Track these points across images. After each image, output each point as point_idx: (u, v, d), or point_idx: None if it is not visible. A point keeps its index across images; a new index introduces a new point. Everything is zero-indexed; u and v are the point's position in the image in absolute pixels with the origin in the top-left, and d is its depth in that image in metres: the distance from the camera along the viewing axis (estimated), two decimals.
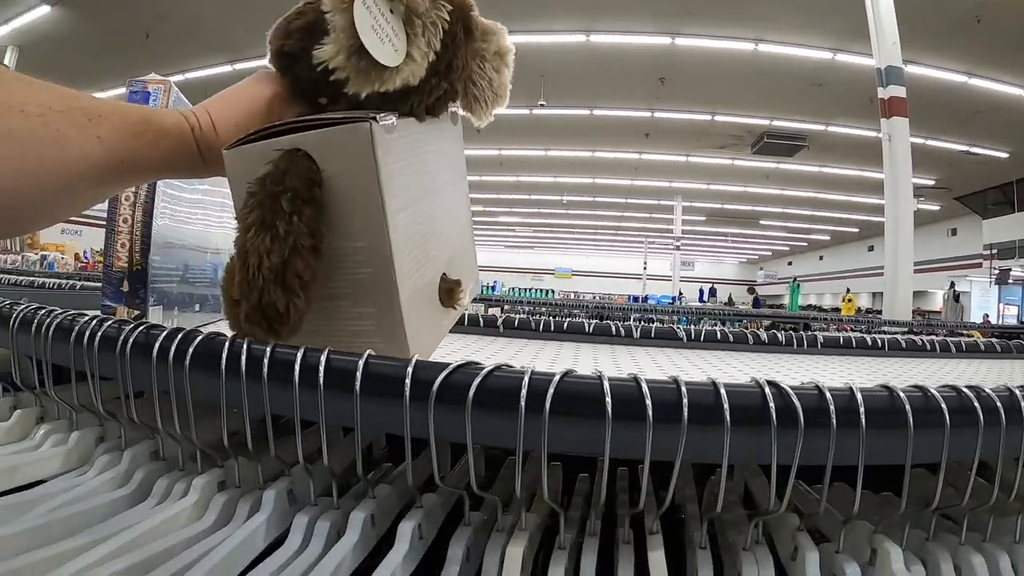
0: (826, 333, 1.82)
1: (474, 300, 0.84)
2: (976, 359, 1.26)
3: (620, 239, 26.05)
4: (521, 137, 12.45)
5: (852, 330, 4.59)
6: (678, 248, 18.91)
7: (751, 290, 19.43)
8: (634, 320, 3.82)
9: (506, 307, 4.22)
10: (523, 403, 0.37)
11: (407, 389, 0.38)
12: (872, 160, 9.72)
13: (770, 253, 27.63)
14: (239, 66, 9.21)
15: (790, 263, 26.77)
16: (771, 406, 0.39)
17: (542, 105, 10.15)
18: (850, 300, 13.70)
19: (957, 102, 9.07)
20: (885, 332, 4.32)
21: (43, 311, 0.58)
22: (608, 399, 0.38)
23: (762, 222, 20.31)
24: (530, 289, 20.35)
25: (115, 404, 0.56)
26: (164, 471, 0.51)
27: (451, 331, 0.72)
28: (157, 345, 0.47)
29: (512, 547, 0.41)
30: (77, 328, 0.52)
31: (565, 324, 1.21)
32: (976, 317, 13.15)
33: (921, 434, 0.41)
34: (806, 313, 6.51)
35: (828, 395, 0.40)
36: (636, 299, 16.37)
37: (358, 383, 0.39)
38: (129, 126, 0.44)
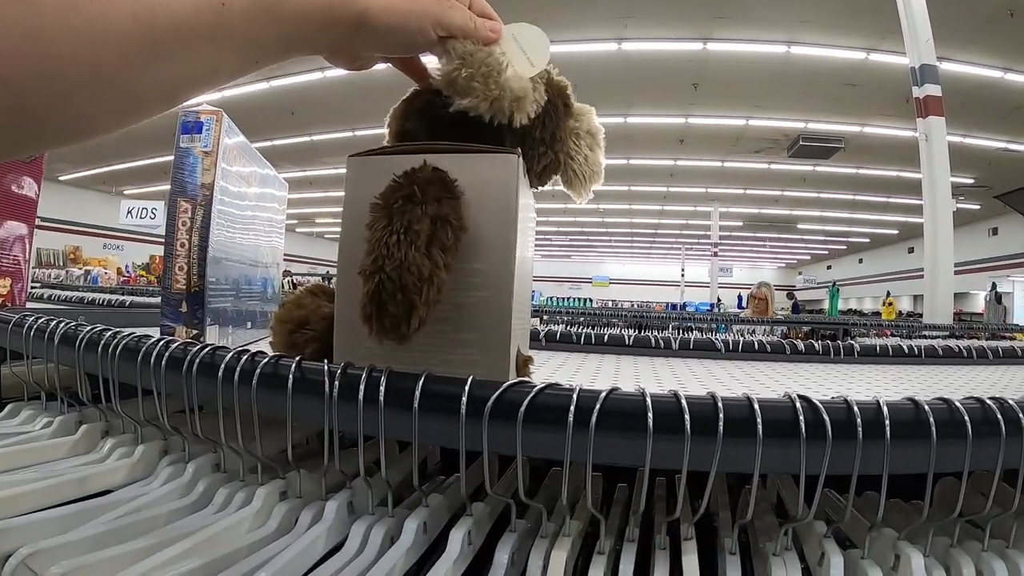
0: (863, 341, 1.80)
1: None
2: (1016, 365, 1.25)
3: (657, 246, 25.93)
4: None
5: (892, 335, 4.51)
6: (716, 254, 18.73)
7: (790, 295, 19.14)
8: (672, 329, 3.81)
9: (544, 317, 4.22)
10: (571, 418, 0.40)
11: (463, 406, 0.41)
12: (910, 160, 9.50)
13: (809, 257, 27.20)
14: (275, 82, 9.42)
15: (829, 267, 26.32)
16: (801, 419, 0.41)
17: None
18: (890, 304, 13.43)
19: (994, 98, 8.84)
20: (926, 336, 4.23)
21: (108, 332, 0.63)
22: (650, 414, 0.40)
23: (800, 226, 20.01)
24: (568, 299, 20.31)
25: (178, 418, 0.60)
26: (225, 482, 0.55)
27: None
28: (223, 365, 0.50)
29: (556, 551, 0.44)
30: (144, 349, 0.57)
31: (606, 337, 1.23)
32: (1020, 318, 12.77)
33: (944, 445, 0.42)
34: (845, 319, 6.39)
35: (855, 408, 0.42)
36: (674, 307, 16.26)
37: (416, 400, 0.42)
38: None
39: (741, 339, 1.23)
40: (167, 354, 0.55)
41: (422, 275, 0.42)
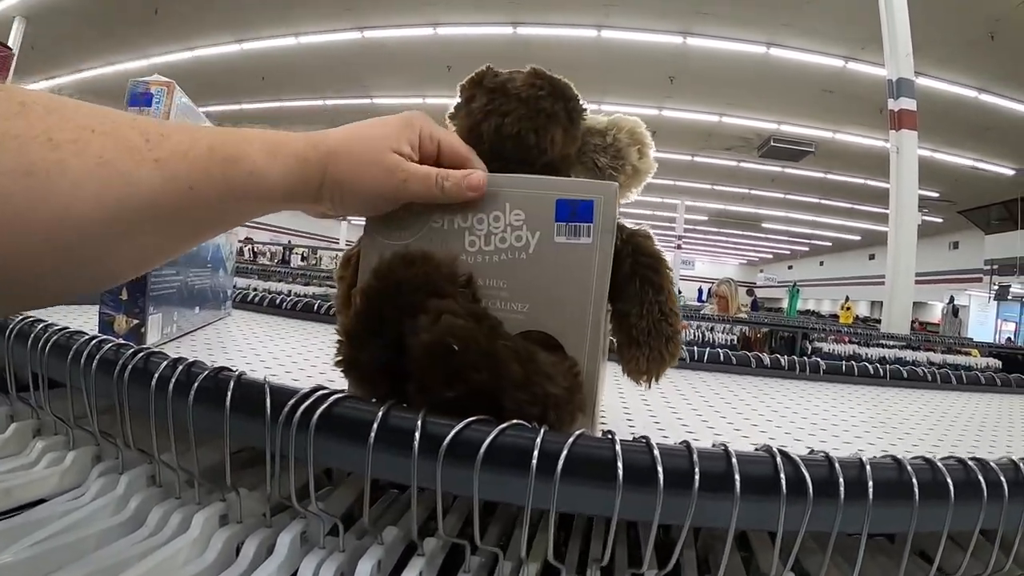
0: (828, 358, 1.81)
1: None
2: (979, 392, 1.26)
3: None
4: None
5: (850, 341, 4.60)
6: (679, 247, 18.89)
7: (750, 292, 19.41)
8: None
9: None
10: (534, 463, 0.37)
11: (416, 442, 0.38)
12: (878, 169, 9.68)
13: (771, 256, 27.64)
14: (247, 45, 9.17)
15: (790, 267, 26.77)
16: (782, 477, 0.39)
17: None
18: (848, 308, 13.69)
19: (966, 117, 9.04)
20: (883, 345, 4.32)
21: (40, 326, 0.57)
22: (620, 463, 0.37)
23: (764, 225, 20.28)
24: None
25: (112, 418, 0.56)
26: (160, 499, 0.50)
27: None
28: (157, 375, 0.46)
29: None
30: (75, 348, 0.52)
31: None
32: (973, 331, 13.19)
33: (926, 506, 0.41)
34: (804, 320, 6.52)
35: (837, 467, 0.40)
36: None
37: (373, 433, 0.38)
38: (201, 140, 0.36)
39: (707, 351, 1.22)
40: (98, 356, 0.50)
41: None
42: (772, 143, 11.02)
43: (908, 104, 4.94)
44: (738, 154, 12.89)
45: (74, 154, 0.31)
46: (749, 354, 1.23)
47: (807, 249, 24.16)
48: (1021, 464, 0.45)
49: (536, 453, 0.37)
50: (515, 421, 0.38)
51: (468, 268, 0.44)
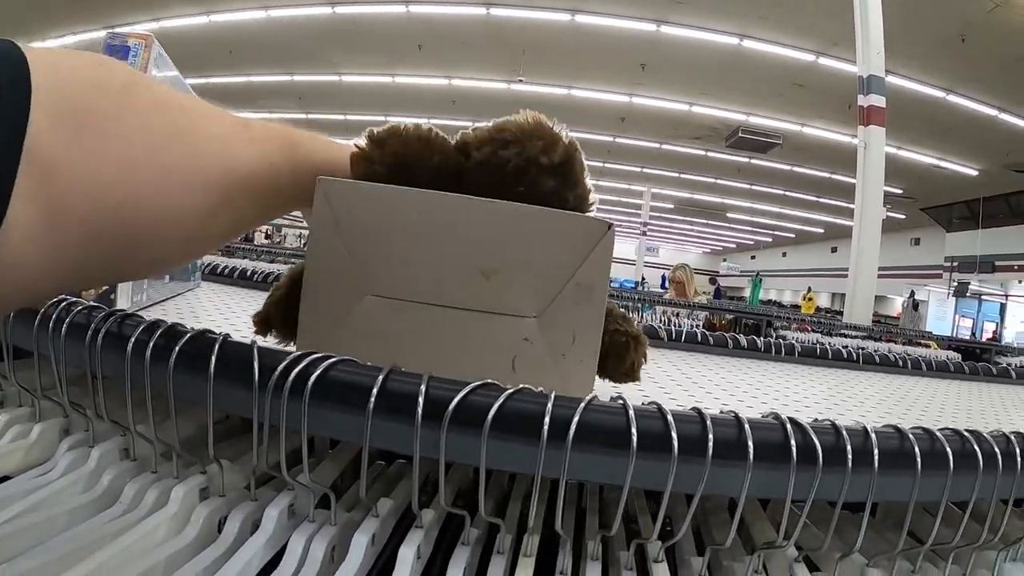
0: (802, 341, 1.83)
1: None
2: (946, 379, 1.29)
3: None
4: (496, 112, 12.37)
5: (812, 330, 4.68)
6: (644, 234, 19.03)
7: (713, 280, 19.61)
8: None
9: None
10: (545, 430, 0.35)
11: (419, 408, 0.36)
12: (843, 164, 9.86)
13: (735, 246, 28.04)
14: (215, 17, 8.93)
15: (753, 257, 27.20)
16: (792, 444, 0.38)
17: (520, 80, 10.09)
18: (810, 299, 13.97)
19: (933, 116, 9.25)
20: (844, 335, 4.41)
21: None
22: (634, 428, 0.36)
23: (729, 215, 20.54)
24: None
25: (82, 388, 0.52)
26: (135, 473, 0.47)
27: None
28: (133, 338, 0.43)
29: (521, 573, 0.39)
30: (42, 311, 0.48)
31: None
32: (932, 326, 13.59)
33: (926, 475, 0.41)
34: (767, 310, 6.64)
35: (844, 434, 0.40)
36: None
37: (372, 400, 0.36)
38: (275, 127, 0.41)
39: (684, 330, 1.22)
40: (68, 320, 0.47)
41: None
42: (740, 134, 11.13)
43: (878, 101, 5.02)
44: (706, 143, 13.02)
45: (204, 124, 0.35)
46: (726, 335, 1.23)
47: (770, 240, 24.55)
48: (1013, 437, 0.46)
49: (547, 419, 0.35)
50: (522, 386, 0.37)
51: None
